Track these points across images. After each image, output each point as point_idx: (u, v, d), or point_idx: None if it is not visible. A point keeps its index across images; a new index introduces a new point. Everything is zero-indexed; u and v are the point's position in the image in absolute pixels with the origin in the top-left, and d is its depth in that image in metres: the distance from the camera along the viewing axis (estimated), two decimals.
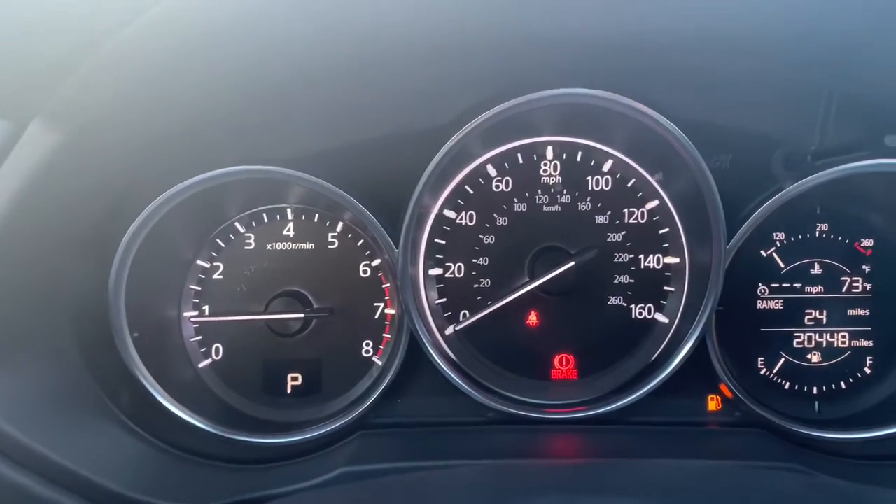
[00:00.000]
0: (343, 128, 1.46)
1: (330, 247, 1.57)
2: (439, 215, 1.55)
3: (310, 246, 1.57)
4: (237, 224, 1.57)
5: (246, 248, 1.58)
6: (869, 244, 1.56)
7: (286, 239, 1.57)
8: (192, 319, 1.57)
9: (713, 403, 1.56)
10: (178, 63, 1.13)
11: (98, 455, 1.32)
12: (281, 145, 1.43)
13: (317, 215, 1.57)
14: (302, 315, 1.52)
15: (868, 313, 1.57)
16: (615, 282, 1.56)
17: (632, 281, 1.56)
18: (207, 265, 1.58)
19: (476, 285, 1.56)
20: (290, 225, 1.57)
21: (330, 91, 1.37)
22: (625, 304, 1.57)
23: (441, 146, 1.39)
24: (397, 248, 1.44)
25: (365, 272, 1.58)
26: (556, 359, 1.59)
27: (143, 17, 1.02)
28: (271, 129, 1.43)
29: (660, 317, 1.56)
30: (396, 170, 1.46)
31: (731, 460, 1.34)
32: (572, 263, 1.50)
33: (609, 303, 1.57)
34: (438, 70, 1.38)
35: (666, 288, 1.56)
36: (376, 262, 1.56)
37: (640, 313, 1.57)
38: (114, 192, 1.37)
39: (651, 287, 1.56)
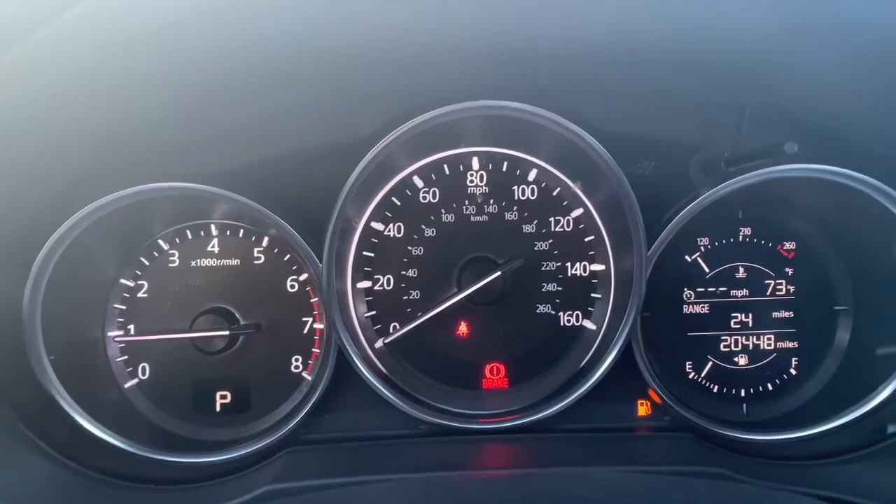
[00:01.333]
0: (264, 142, 1.45)
1: (256, 262, 1.56)
2: (367, 228, 1.54)
3: (235, 262, 1.56)
4: (160, 241, 1.55)
5: (170, 265, 1.55)
6: (791, 247, 1.59)
7: (211, 255, 1.55)
8: (117, 339, 1.54)
9: (643, 409, 1.57)
10: (91, 73, 1.11)
11: (13, 484, 1.29)
12: (201, 161, 1.42)
13: (241, 231, 1.55)
14: (227, 332, 1.50)
15: (792, 315, 1.60)
16: (543, 290, 1.57)
17: (559, 289, 1.57)
18: (132, 283, 1.55)
19: (405, 297, 1.56)
20: (215, 241, 1.55)
21: (250, 104, 1.36)
22: (553, 312, 1.57)
23: (363, 158, 1.39)
24: (322, 262, 1.43)
25: (292, 287, 1.56)
26: (487, 368, 1.58)
27: (55, 22, 1.00)
28: (191, 144, 1.41)
29: (588, 323, 1.57)
30: (320, 183, 1.45)
31: (657, 466, 1.35)
32: (499, 273, 1.50)
33: (538, 311, 1.57)
34: (360, 82, 1.37)
35: (593, 295, 1.57)
36: (303, 277, 1.55)
37: (569, 320, 1.58)
38: (29, 207, 1.34)
39: (578, 294, 1.57)
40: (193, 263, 1.56)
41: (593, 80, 1.41)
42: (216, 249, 1.56)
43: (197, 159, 1.42)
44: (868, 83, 1.25)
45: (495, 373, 1.59)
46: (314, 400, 1.48)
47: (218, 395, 1.57)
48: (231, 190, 1.41)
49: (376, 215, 1.54)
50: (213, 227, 1.55)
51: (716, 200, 1.41)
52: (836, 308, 1.59)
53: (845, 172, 1.33)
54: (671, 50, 1.23)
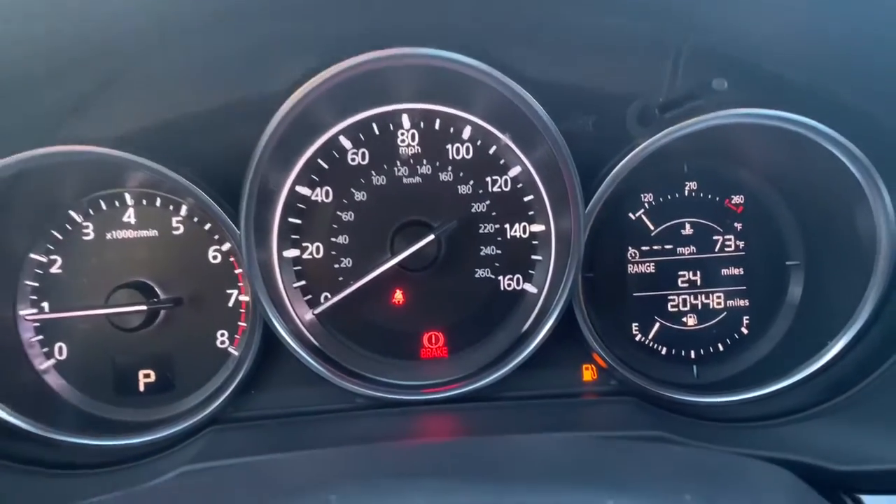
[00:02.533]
0: (174, 99, 1.35)
1: (175, 232, 1.47)
2: (292, 193, 1.45)
3: (153, 233, 1.47)
4: (73, 213, 1.45)
5: (84, 238, 1.46)
6: (739, 201, 1.52)
7: (127, 226, 1.46)
8: (30, 318, 1.45)
9: (588, 373, 1.51)
10: None
11: None
12: (105, 121, 1.31)
13: (158, 199, 1.46)
14: (145, 307, 1.41)
15: (742, 272, 1.54)
16: (482, 253, 1.49)
17: (499, 252, 1.49)
18: (44, 259, 1.45)
19: (337, 265, 1.48)
20: (131, 211, 1.46)
21: (156, 55, 1.27)
22: (493, 276, 1.50)
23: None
24: (239, 230, 1.34)
25: (215, 258, 1.47)
26: (426, 337, 1.51)
27: None
28: (95, 104, 1.31)
29: (528, 287, 1.50)
30: (237, 144, 1.35)
31: (596, 431, 1.28)
32: (432, 237, 1.42)
33: (476, 276, 1.50)
34: (276, 29, 1.29)
35: (534, 257, 1.50)
36: (226, 247, 1.46)
37: (509, 284, 1.50)
38: None
39: (518, 257, 1.50)
40: (109, 236, 1.46)
41: (525, 27, 1.33)
42: (132, 220, 1.46)
43: (100, 119, 1.32)
44: (813, 21, 1.18)
45: (434, 341, 1.51)
46: (240, 376, 1.40)
47: (141, 374, 1.49)
48: (141, 154, 1.32)
49: (302, 179, 1.45)
50: (127, 196, 1.46)
51: (654, 152, 1.34)
52: (787, 263, 1.53)
53: (782, 115, 1.27)
54: None
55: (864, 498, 1.21)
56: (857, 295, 1.37)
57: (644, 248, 1.52)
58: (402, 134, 1.47)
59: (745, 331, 1.54)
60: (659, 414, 1.37)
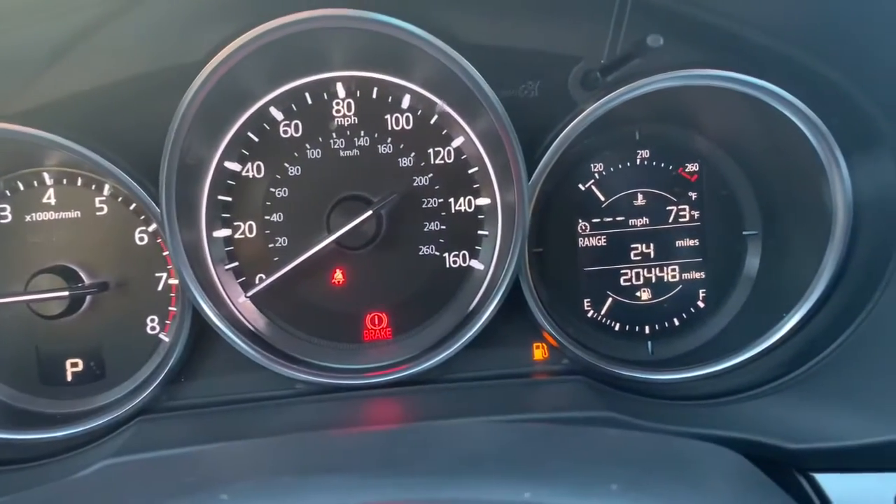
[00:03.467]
0: (88, 71, 1.26)
1: (98, 213, 1.39)
2: (220, 168, 1.37)
3: (75, 214, 1.38)
4: None
5: (2, 221, 1.38)
6: (694, 169, 1.46)
7: (47, 208, 1.38)
8: None
9: (539, 352, 1.45)
10: None
11: None
12: (15, 97, 1.23)
13: (80, 179, 1.38)
14: (66, 293, 1.33)
15: (697, 243, 1.48)
16: (426, 229, 1.42)
17: (443, 227, 1.42)
18: None
19: (271, 245, 1.40)
20: (51, 192, 1.38)
21: (68, 26, 1.18)
22: (437, 253, 1.43)
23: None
24: (161, 208, 1.26)
25: (141, 239, 1.40)
26: (368, 318, 1.44)
27: None
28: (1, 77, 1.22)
29: (475, 263, 1.43)
30: (157, 119, 1.27)
31: (543, 413, 1.22)
32: (370, 213, 1.34)
33: (421, 253, 1.43)
34: None
35: (480, 232, 1.43)
36: (153, 228, 1.38)
37: (455, 261, 1.44)
38: None
39: (464, 232, 1.43)
40: (28, 218, 1.38)
41: None
42: (53, 201, 1.38)
43: (8, 94, 1.23)
44: None
45: (377, 322, 1.44)
46: (171, 363, 1.33)
47: (68, 363, 1.41)
48: (55, 131, 1.23)
49: (231, 154, 1.37)
50: (46, 175, 1.37)
51: (601, 119, 1.27)
52: (744, 233, 1.47)
53: (735, 76, 1.20)
54: None
55: (818, 476, 1.17)
56: (814, 267, 1.31)
57: (595, 220, 1.46)
58: (338, 104, 1.39)
59: (701, 304, 1.49)
60: (609, 394, 1.31)
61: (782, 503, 0.88)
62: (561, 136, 1.27)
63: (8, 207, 1.38)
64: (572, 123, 1.26)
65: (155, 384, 1.33)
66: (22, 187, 1.37)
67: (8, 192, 1.37)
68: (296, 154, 1.39)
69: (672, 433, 1.17)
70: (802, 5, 1.14)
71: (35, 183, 1.37)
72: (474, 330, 1.35)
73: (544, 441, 0.91)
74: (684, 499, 0.79)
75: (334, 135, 1.39)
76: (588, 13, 1.23)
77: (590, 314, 1.48)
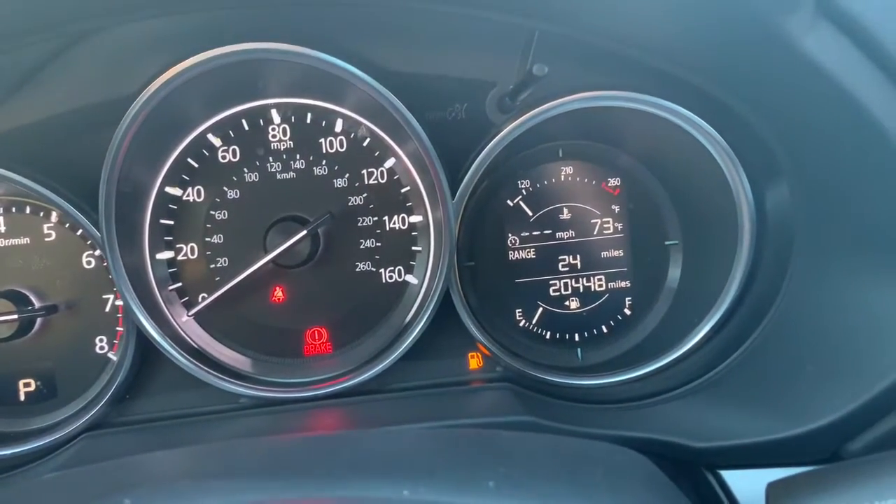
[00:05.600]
0: (28, 104, 1.32)
1: (47, 239, 1.45)
2: (161, 193, 1.44)
3: (24, 240, 1.44)
4: None
5: None
6: (616, 183, 1.53)
7: None
8: None
9: (474, 361, 1.51)
10: None
11: None
12: None
13: (28, 207, 1.44)
14: (16, 316, 1.40)
15: (622, 253, 1.55)
16: (362, 247, 1.49)
17: (379, 244, 1.49)
18: None
19: (213, 265, 1.47)
20: (0, 220, 1.44)
21: (6, 60, 1.25)
22: (374, 269, 1.50)
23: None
24: (101, 233, 1.32)
25: (88, 263, 1.46)
26: (308, 333, 1.51)
27: None
28: None
29: (410, 278, 1.50)
30: (97, 148, 1.33)
31: (467, 420, 1.29)
32: (304, 233, 1.41)
33: (357, 269, 1.49)
34: (128, 29, 1.28)
35: (414, 248, 1.49)
36: (98, 252, 1.45)
37: (391, 276, 1.50)
38: None
39: (399, 248, 1.49)
40: None
41: (384, 21, 1.33)
42: (2, 229, 1.44)
43: None
44: (674, 13, 1.17)
45: (317, 337, 1.51)
46: (118, 381, 1.39)
47: (21, 383, 1.47)
48: (2, 164, 1.30)
49: (171, 179, 1.44)
50: None
51: (520, 138, 1.34)
52: (666, 243, 1.54)
53: (633, 96, 1.27)
54: None
55: (723, 472, 1.24)
56: (725, 279, 1.38)
57: (524, 234, 1.53)
58: (273, 129, 1.46)
59: (627, 312, 1.56)
60: (534, 399, 1.38)
61: (668, 497, 0.95)
62: (481, 156, 1.34)
63: None
64: (490, 144, 1.33)
65: (103, 401, 1.39)
66: None
67: None
68: (234, 178, 1.45)
69: (588, 435, 1.23)
70: (700, 38, 1.20)
71: None
72: (408, 342, 1.41)
73: (442, 443, 0.98)
74: (562, 495, 0.85)
75: (271, 158, 1.46)
76: (500, 43, 1.30)
77: (522, 324, 1.55)
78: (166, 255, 1.45)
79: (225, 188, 1.45)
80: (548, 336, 1.56)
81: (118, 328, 1.47)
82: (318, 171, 1.47)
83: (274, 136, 1.46)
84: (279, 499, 0.75)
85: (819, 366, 1.14)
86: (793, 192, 1.20)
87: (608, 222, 1.53)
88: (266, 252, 1.43)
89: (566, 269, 1.54)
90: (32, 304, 1.44)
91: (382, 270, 1.50)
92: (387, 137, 1.45)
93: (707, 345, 1.40)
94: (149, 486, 0.82)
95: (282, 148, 1.46)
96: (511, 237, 1.53)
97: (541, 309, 1.54)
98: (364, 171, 1.47)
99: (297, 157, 1.46)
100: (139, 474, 0.92)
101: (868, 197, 1.04)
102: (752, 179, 1.32)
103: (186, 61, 1.25)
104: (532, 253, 1.53)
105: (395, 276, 1.50)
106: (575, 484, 0.88)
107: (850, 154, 1.03)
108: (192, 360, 1.40)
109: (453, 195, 1.37)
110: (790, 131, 1.14)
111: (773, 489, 0.89)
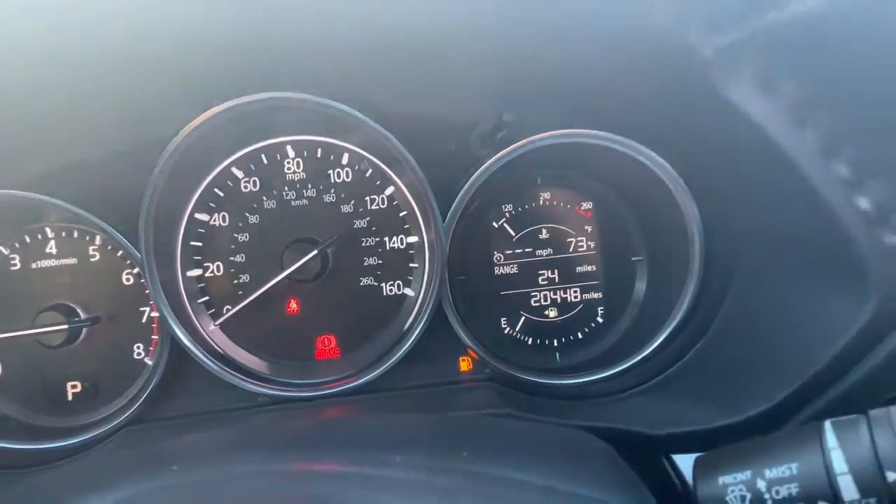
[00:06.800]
0: (80, 145, 1.54)
1: (92, 259, 1.67)
2: (191, 219, 1.65)
3: (72, 260, 1.66)
4: (1, 247, 1.65)
5: (12, 268, 1.66)
6: (588, 207, 1.74)
7: (49, 256, 1.66)
8: None
9: (465, 364, 1.71)
10: None
11: None
12: (14, 166, 1.51)
13: (76, 232, 1.66)
14: (66, 326, 1.61)
15: (594, 268, 1.75)
16: (365, 264, 1.70)
17: (380, 261, 1.70)
18: None
19: (236, 281, 1.68)
20: (52, 243, 1.66)
21: (59, 106, 1.46)
22: (376, 283, 1.71)
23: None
24: (141, 255, 1.54)
25: (128, 280, 1.67)
26: (319, 340, 1.72)
27: None
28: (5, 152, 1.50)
29: (408, 291, 1.71)
30: (138, 181, 1.55)
31: (454, 412, 1.49)
32: (315, 252, 1.62)
33: (362, 283, 1.70)
34: (163, 80, 1.49)
35: (411, 265, 1.70)
36: (136, 270, 1.66)
37: (391, 290, 1.71)
38: None
39: (398, 265, 1.70)
40: (34, 265, 1.66)
41: (384, 73, 1.53)
42: (54, 251, 1.66)
43: (14, 164, 1.51)
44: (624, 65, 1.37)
45: (327, 343, 1.72)
46: (154, 383, 1.60)
47: (69, 385, 1.69)
48: (53, 194, 1.52)
49: (200, 207, 1.65)
50: (48, 229, 1.66)
51: (500, 170, 1.55)
52: (633, 259, 1.74)
53: (589, 133, 1.48)
54: (436, 44, 1.34)
55: (674, 457, 1.44)
56: (680, 290, 1.58)
57: (508, 252, 1.74)
58: (288, 162, 1.67)
59: (600, 320, 1.76)
60: (514, 396, 1.58)
61: (618, 472, 1.15)
62: (467, 184, 1.55)
63: (17, 256, 1.66)
64: (475, 174, 1.54)
65: (140, 401, 1.61)
66: (28, 240, 1.66)
67: (17, 244, 1.66)
68: (255, 205, 1.67)
69: (558, 425, 1.43)
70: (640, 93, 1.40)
71: (39, 236, 1.66)
72: (406, 347, 1.62)
73: (427, 425, 1.19)
74: (527, 467, 1.05)
75: (286, 188, 1.67)
76: (479, 91, 1.51)
77: (506, 331, 1.75)
78: (195, 272, 1.67)
79: (246, 214, 1.67)
80: (529, 341, 1.76)
81: (153, 336, 1.68)
82: (327, 198, 1.68)
83: (289, 169, 1.67)
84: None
85: (753, 364, 1.34)
86: (731, 215, 1.40)
87: (582, 241, 1.74)
88: (282, 269, 1.64)
89: (545, 282, 1.75)
90: (79, 316, 1.66)
91: (383, 284, 1.71)
92: (387, 169, 1.67)
93: (666, 348, 1.60)
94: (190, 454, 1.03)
95: (296, 178, 1.68)
96: (496, 254, 1.74)
97: (523, 317, 1.75)
98: (367, 198, 1.69)
99: (309, 186, 1.68)
100: (180, 448, 1.14)
101: (784, 219, 1.24)
102: (700, 203, 1.52)
103: (214, 108, 1.47)
104: (515, 268, 1.74)
105: (395, 289, 1.71)
106: (538, 456, 1.09)
107: (769, 184, 1.23)
108: (218, 363, 1.62)
109: (444, 219, 1.58)
110: (718, 162, 1.34)
111: (698, 463, 1.10)
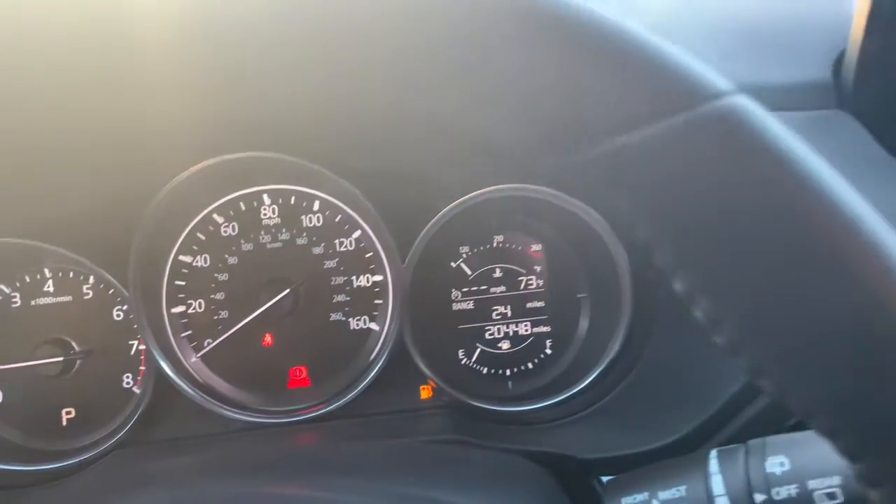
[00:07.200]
0: (75, 197, 1.72)
1: (85, 297, 1.84)
2: (176, 261, 1.83)
3: (68, 298, 1.83)
4: (2, 286, 1.82)
5: (13, 305, 1.83)
6: (538, 248, 1.91)
7: (47, 294, 1.83)
8: None
9: (425, 392, 1.88)
10: None
11: None
12: (16, 217, 1.68)
13: (71, 272, 1.83)
14: (61, 358, 1.78)
15: (543, 304, 1.92)
16: (334, 301, 1.87)
17: (348, 298, 1.87)
18: None
19: (216, 317, 1.85)
20: (50, 282, 1.83)
21: (55, 165, 1.64)
22: (344, 318, 1.87)
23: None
24: (129, 294, 1.71)
25: (118, 316, 1.84)
26: (291, 371, 1.88)
27: None
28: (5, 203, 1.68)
29: (373, 325, 1.87)
30: (124, 228, 1.72)
31: (409, 438, 1.66)
32: (288, 291, 1.79)
33: (331, 318, 1.87)
34: (153, 142, 1.67)
35: (376, 301, 1.87)
36: (126, 307, 1.83)
37: (358, 324, 1.88)
38: None
39: (364, 301, 1.87)
40: (33, 302, 1.83)
41: (346, 137, 1.71)
42: (51, 289, 1.83)
43: (16, 215, 1.69)
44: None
45: (299, 374, 1.88)
46: (141, 409, 1.77)
47: (64, 412, 1.85)
48: (50, 241, 1.69)
49: (184, 249, 1.83)
50: (46, 270, 1.83)
51: (459, 215, 1.72)
52: (578, 296, 1.91)
53: (526, 187, 1.66)
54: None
55: (604, 478, 1.60)
56: (615, 327, 1.75)
57: (465, 289, 1.91)
58: (265, 209, 1.85)
59: (548, 351, 1.92)
60: (466, 422, 1.74)
61: (550, 494, 1.31)
62: (425, 230, 1.72)
63: (18, 294, 1.83)
64: (432, 221, 1.71)
65: (129, 426, 1.77)
66: (28, 279, 1.83)
67: (18, 284, 1.83)
68: (233, 247, 1.84)
69: (502, 450, 1.59)
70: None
71: (38, 276, 1.83)
72: (371, 377, 1.79)
73: (380, 450, 1.36)
74: (467, 491, 1.22)
75: (262, 232, 1.85)
76: (433, 150, 1.69)
77: (463, 361, 1.92)
78: (179, 308, 1.84)
79: (226, 255, 1.84)
80: (484, 371, 1.92)
81: (141, 367, 1.85)
82: (300, 241, 1.85)
83: (265, 215, 1.85)
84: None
85: (669, 398, 1.51)
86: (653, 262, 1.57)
87: (532, 279, 1.91)
88: (259, 306, 1.81)
89: (499, 317, 1.91)
90: (74, 349, 1.83)
91: (351, 319, 1.88)
92: (354, 215, 1.84)
93: (603, 379, 1.77)
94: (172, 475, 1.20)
95: (271, 224, 1.85)
96: (454, 292, 1.91)
97: (479, 349, 1.92)
98: (336, 241, 1.86)
99: (284, 230, 1.85)
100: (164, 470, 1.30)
101: None
102: (627, 248, 1.70)
103: (199, 165, 1.65)
104: (471, 304, 1.91)
105: (362, 323, 1.88)
106: (478, 479, 1.26)
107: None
108: (199, 392, 1.78)
109: (404, 260, 1.75)
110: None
111: (608, 485, 1.26)
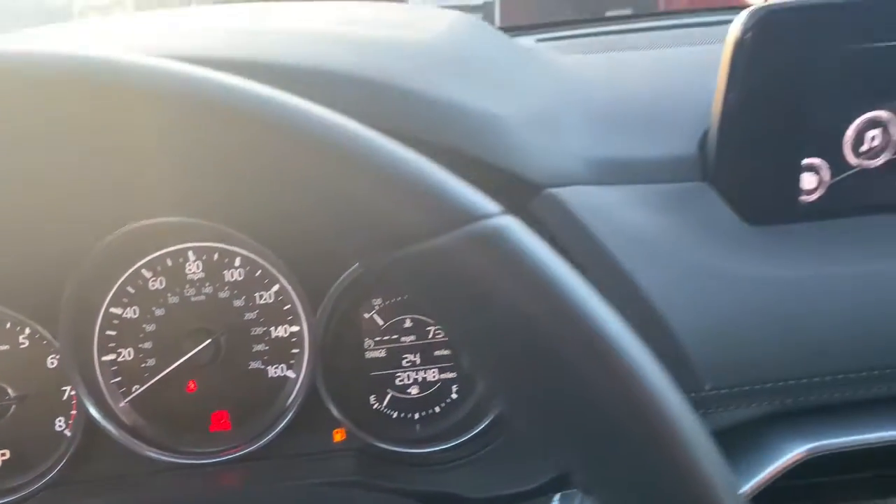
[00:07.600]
0: (4, 259, 1.86)
1: (21, 346, 1.97)
2: (107, 313, 1.97)
3: (5, 347, 1.97)
4: None
5: None
6: None
7: None
8: None
9: (338, 435, 2.02)
10: None
11: None
12: None
13: (8, 322, 1.97)
14: None
15: (450, 352, 2.08)
16: (254, 350, 2.01)
17: (267, 348, 2.01)
18: None
19: (143, 364, 1.99)
20: None
21: None
22: (263, 367, 2.01)
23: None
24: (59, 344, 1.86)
25: (52, 363, 1.98)
26: (214, 415, 2.02)
27: None
28: None
29: (290, 373, 2.02)
30: (56, 281, 1.87)
31: (314, 479, 1.80)
32: (209, 341, 1.94)
33: (250, 367, 2.01)
34: (84, 204, 1.82)
35: (293, 350, 2.02)
36: (59, 356, 1.98)
37: (275, 372, 2.02)
38: None
39: (282, 351, 2.01)
40: None
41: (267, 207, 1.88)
42: None
43: None
44: None
45: (220, 418, 2.02)
46: (71, 451, 1.91)
47: None
48: None
49: (115, 302, 1.97)
50: None
51: (367, 273, 1.88)
52: None
53: None
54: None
55: None
56: None
57: (377, 338, 2.06)
58: (189, 264, 2.00)
59: (454, 396, 2.07)
60: (371, 464, 1.89)
61: None
62: (336, 284, 1.88)
63: None
64: (343, 275, 1.87)
65: (60, 465, 1.90)
66: None
67: None
68: (161, 300, 1.98)
69: (399, 491, 1.75)
70: None
71: None
72: (286, 420, 1.93)
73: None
74: None
75: (187, 285, 1.99)
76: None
77: (374, 406, 2.06)
78: (110, 357, 1.97)
79: (153, 308, 1.98)
80: (394, 415, 2.07)
81: (72, 412, 1.98)
82: (222, 294, 2.00)
83: (190, 270, 1.99)
84: None
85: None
86: None
87: (440, 329, 2.07)
88: (183, 354, 1.95)
89: (409, 364, 2.06)
90: (9, 395, 1.96)
91: (269, 367, 2.02)
92: (273, 270, 2.00)
93: (498, 422, 1.92)
94: None
95: (195, 278, 1.99)
96: (367, 341, 2.06)
97: (390, 394, 2.06)
98: (256, 294, 2.00)
99: (207, 284, 1.99)
100: None
101: None
102: None
103: (127, 226, 1.80)
104: (383, 352, 2.06)
105: (279, 371, 2.02)
106: None
107: None
108: (127, 435, 1.92)
109: (315, 313, 1.91)
110: None
111: None
